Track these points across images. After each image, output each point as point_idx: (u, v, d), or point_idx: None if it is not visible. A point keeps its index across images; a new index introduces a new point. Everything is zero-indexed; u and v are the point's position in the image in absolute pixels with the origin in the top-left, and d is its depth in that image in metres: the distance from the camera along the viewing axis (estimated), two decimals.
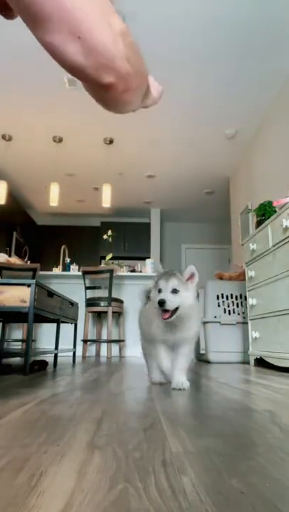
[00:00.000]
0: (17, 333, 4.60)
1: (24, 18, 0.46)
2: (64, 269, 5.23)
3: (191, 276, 1.55)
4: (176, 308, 1.49)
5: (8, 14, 0.53)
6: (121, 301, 4.44)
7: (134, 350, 4.52)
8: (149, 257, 6.48)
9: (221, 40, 3.24)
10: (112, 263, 5.15)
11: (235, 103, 4.10)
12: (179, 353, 1.61)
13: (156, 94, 0.66)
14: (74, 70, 0.49)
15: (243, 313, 3.96)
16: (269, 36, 3.18)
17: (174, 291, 1.49)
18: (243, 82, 3.75)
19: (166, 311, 1.48)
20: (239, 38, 3.21)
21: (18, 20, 0.50)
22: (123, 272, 4.96)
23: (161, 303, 1.46)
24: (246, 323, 3.62)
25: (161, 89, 0.67)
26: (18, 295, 2.18)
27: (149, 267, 4.94)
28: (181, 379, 1.57)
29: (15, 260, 4.54)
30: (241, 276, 4.06)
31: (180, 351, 1.61)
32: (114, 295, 4.41)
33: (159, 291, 1.52)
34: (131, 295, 4.68)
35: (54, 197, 4.91)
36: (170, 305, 1.47)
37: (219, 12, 2.95)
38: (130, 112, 0.64)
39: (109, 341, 4.19)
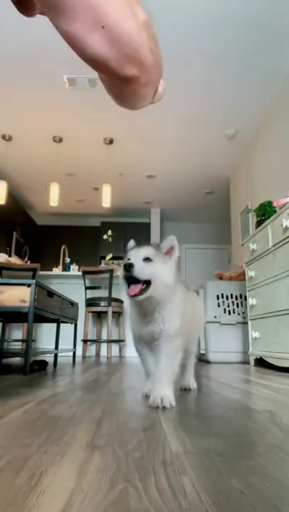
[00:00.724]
0: (17, 333, 4.60)
1: (45, 6, 0.44)
2: (64, 269, 5.23)
3: (171, 249, 1.22)
4: (148, 284, 1.14)
5: (29, 9, 0.50)
6: (121, 301, 4.44)
7: (134, 350, 4.51)
8: None
9: (222, 40, 3.24)
10: (112, 263, 5.15)
11: (236, 103, 4.09)
12: (160, 356, 1.22)
13: (162, 89, 0.65)
14: (95, 61, 0.46)
15: (243, 313, 3.96)
16: (270, 36, 3.18)
17: (147, 259, 1.15)
18: (243, 82, 3.75)
19: (133, 282, 1.13)
20: (240, 37, 3.21)
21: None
22: None
23: (128, 267, 1.11)
24: (246, 323, 3.62)
25: (164, 84, 0.65)
26: (18, 295, 2.18)
27: None
28: (158, 393, 1.15)
29: (15, 260, 4.54)
30: (241, 276, 4.06)
31: (161, 352, 1.21)
32: (114, 295, 4.41)
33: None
34: None
35: (54, 197, 4.91)
36: (139, 272, 1.11)
37: (226, 11, 2.95)
38: (137, 110, 0.63)
39: (109, 341, 4.19)
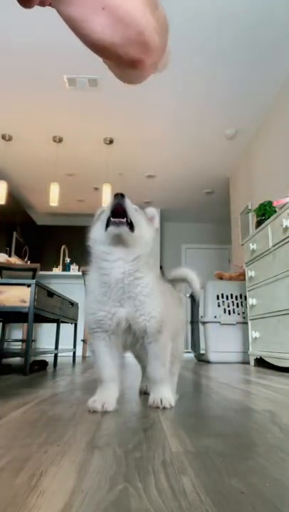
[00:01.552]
0: (17, 333, 4.60)
1: None
2: (64, 269, 5.23)
3: (152, 219, 1.20)
4: (132, 226, 1.05)
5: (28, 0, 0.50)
6: None
7: None
8: None
9: (222, 41, 3.24)
10: None
11: (236, 103, 4.09)
12: (147, 355, 1.11)
13: (166, 60, 0.61)
14: (100, 47, 0.44)
15: (243, 313, 3.96)
16: (270, 36, 3.18)
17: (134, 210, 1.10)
18: (244, 82, 3.75)
19: (120, 215, 1.04)
20: (240, 38, 3.21)
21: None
22: None
23: (119, 195, 1.05)
24: (246, 323, 3.62)
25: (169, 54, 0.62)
26: (18, 295, 2.18)
27: None
28: (157, 394, 1.11)
29: (15, 260, 4.54)
30: (241, 276, 4.06)
31: (148, 351, 1.10)
32: None
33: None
34: None
35: (54, 197, 4.91)
36: (129, 205, 1.06)
37: (226, 11, 2.95)
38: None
39: None
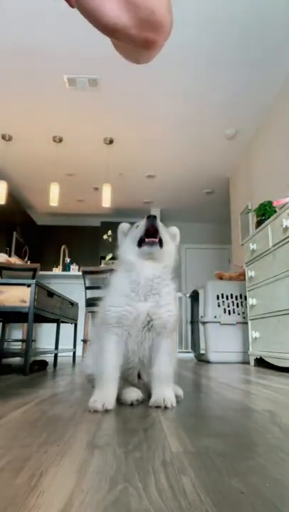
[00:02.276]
0: (17, 333, 4.60)
1: None
2: (64, 269, 5.23)
3: (173, 236, 1.32)
4: (161, 243, 1.20)
5: None
6: None
7: None
8: None
9: (222, 41, 3.24)
10: (112, 263, 5.15)
11: (236, 103, 4.09)
12: (159, 350, 1.16)
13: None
14: (113, 29, 0.44)
15: (243, 313, 3.96)
16: (270, 36, 3.18)
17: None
18: (244, 82, 3.75)
19: (151, 237, 1.19)
20: (241, 38, 3.21)
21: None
22: None
23: (152, 217, 1.19)
24: (246, 323, 3.62)
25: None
26: (18, 295, 2.18)
27: None
28: (160, 394, 1.13)
29: (15, 260, 4.54)
30: (241, 276, 4.06)
31: (161, 349, 1.16)
32: None
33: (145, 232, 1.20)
34: None
35: (54, 197, 4.91)
36: (160, 225, 1.22)
37: (227, 11, 2.95)
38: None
39: None
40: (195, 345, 4.43)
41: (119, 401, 1.16)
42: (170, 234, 1.30)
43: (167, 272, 1.23)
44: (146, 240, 1.18)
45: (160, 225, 1.22)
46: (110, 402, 1.08)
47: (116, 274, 1.24)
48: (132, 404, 1.16)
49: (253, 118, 4.34)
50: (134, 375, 1.24)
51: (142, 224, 1.23)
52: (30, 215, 7.26)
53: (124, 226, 1.32)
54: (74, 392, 1.48)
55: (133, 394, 1.18)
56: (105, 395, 1.08)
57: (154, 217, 1.20)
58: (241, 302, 4.01)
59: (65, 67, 3.57)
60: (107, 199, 4.97)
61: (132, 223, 1.33)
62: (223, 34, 3.17)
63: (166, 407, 1.11)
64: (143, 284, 1.17)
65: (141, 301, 1.16)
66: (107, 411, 1.05)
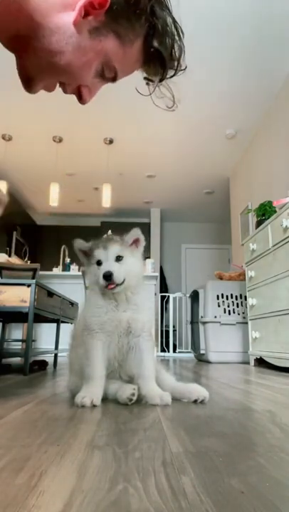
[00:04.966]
0: (17, 333, 4.59)
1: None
2: (64, 269, 5.23)
3: (136, 241, 1.30)
4: (123, 281, 1.21)
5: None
6: None
7: None
8: (149, 257, 6.48)
9: (222, 41, 3.24)
10: None
11: (236, 103, 4.09)
12: (142, 352, 1.22)
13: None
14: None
15: (243, 313, 3.96)
16: (270, 36, 3.18)
17: (118, 258, 1.21)
18: (244, 82, 3.75)
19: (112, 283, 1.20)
20: (241, 37, 3.21)
21: None
22: None
23: (108, 276, 1.16)
24: (246, 323, 3.62)
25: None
26: (18, 295, 2.18)
27: (149, 266, 4.94)
28: (155, 392, 1.18)
29: (15, 260, 4.54)
30: (241, 277, 4.06)
31: (143, 351, 1.23)
32: None
33: (98, 263, 1.21)
34: None
35: (54, 197, 4.91)
36: (118, 278, 1.18)
37: (227, 11, 2.95)
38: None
39: None
40: (195, 346, 4.43)
41: (116, 399, 1.19)
42: (132, 238, 1.29)
43: (139, 284, 1.29)
44: (105, 289, 1.20)
45: (116, 271, 1.19)
46: (98, 399, 1.14)
47: (92, 294, 1.29)
48: (130, 400, 1.15)
49: (253, 118, 4.34)
50: (116, 377, 1.28)
51: (91, 271, 1.25)
52: (31, 215, 7.26)
53: (80, 244, 1.29)
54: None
55: (128, 390, 1.18)
56: (93, 392, 1.14)
57: (110, 275, 1.17)
58: (241, 302, 4.01)
59: None
60: (107, 199, 4.97)
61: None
62: (224, 34, 3.17)
63: (166, 404, 1.15)
64: (119, 303, 1.25)
65: (118, 312, 1.24)
66: (94, 406, 1.11)
